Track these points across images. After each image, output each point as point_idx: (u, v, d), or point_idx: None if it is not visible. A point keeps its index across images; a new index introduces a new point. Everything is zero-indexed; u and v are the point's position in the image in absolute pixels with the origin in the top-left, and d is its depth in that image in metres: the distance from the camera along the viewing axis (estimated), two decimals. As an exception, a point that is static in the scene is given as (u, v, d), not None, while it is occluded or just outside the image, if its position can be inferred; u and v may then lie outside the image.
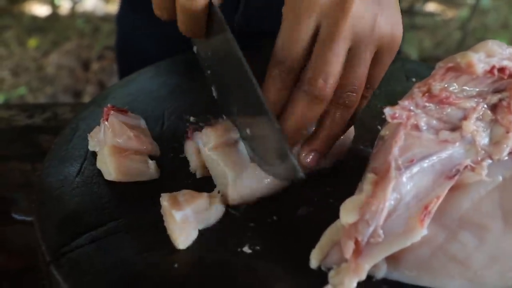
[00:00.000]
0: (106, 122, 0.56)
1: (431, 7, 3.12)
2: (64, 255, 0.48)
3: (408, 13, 2.85)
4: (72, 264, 0.47)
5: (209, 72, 0.57)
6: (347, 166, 0.59)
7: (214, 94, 0.57)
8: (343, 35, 0.48)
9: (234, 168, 0.53)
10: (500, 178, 0.49)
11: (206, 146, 0.55)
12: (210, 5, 0.52)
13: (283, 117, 0.51)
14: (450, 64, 0.49)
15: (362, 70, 0.51)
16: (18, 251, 0.66)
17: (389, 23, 0.51)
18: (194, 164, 0.58)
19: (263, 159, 0.51)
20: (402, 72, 0.76)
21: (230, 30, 0.51)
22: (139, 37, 0.97)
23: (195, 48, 0.63)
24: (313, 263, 0.47)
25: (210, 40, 0.55)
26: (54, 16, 2.93)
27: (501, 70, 0.50)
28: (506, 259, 0.46)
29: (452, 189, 0.48)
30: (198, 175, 0.57)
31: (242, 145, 0.55)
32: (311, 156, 0.54)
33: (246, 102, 0.51)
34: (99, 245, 0.49)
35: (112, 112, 0.57)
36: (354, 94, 0.51)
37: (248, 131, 0.52)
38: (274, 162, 0.50)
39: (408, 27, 2.68)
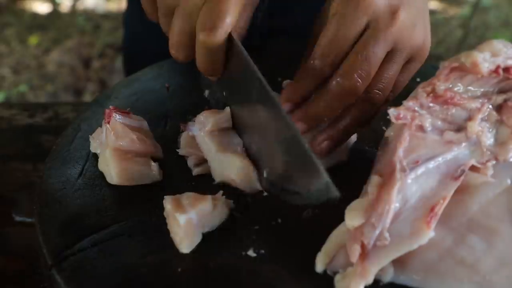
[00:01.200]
0: (108, 125, 0.55)
1: (432, 5, 3.11)
2: (66, 258, 0.47)
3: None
4: (74, 268, 0.47)
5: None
6: (352, 168, 0.58)
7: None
8: (387, 39, 0.51)
9: (226, 153, 0.54)
10: (509, 181, 0.48)
11: (203, 129, 0.55)
12: (230, 38, 0.52)
13: (309, 101, 0.53)
14: (455, 64, 0.49)
15: (393, 73, 0.54)
16: (19, 253, 0.66)
17: (423, 35, 0.55)
18: (191, 159, 0.57)
19: (293, 183, 0.48)
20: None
21: (251, 61, 0.51)
22: (147, 35, 0.96)
23: (206, 93, 0.63)
24: (319, 267, 0.47)
25: (228, 77, 0.56)
26: (55, 14, 2.93)
27: (506, 70, 0.50)
28: (515, 263, 0.45)
29: (460, 192, 0.48)
30: (195, 172, 0.57)
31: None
32: (324, 144, 0.55)
33: (277, 133, 0.50)
34: (102, 249, 0.48)
35: (114, 114, 0.56)
36: (381, 93, 0.54)
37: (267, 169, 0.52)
38: (306, 183, 0.45)
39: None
